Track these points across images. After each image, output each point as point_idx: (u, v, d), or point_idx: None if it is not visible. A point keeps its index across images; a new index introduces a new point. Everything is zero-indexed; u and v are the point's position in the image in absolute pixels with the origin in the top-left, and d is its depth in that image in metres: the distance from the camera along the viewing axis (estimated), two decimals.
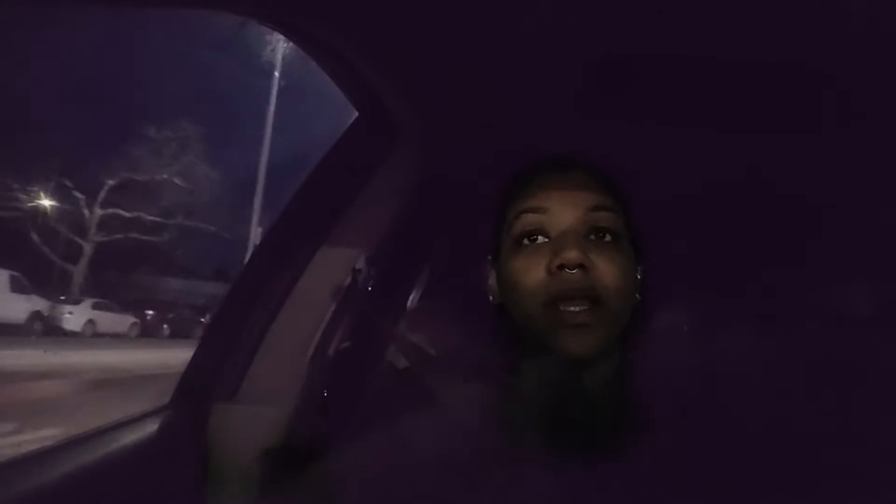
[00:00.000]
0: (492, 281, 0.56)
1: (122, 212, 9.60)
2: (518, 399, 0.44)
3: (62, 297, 8.90)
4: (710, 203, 0.91)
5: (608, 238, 0.49)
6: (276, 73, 10.06)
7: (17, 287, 8.22)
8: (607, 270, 0.48)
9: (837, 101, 0.65)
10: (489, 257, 0.57)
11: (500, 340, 0.56)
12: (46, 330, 8.35)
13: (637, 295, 0.53)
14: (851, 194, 0.86)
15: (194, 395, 0.79)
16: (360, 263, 0.86)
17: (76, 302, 9.04)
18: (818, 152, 0.77)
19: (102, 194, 9.50)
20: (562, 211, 0.50)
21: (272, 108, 10.14)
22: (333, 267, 0.85)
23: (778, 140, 0.75)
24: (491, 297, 0.56)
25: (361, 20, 0.59)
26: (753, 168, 0.82)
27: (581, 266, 0.47)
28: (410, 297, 1.19)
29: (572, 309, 0.46)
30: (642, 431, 0.43)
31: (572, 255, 0.46)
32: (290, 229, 0.85)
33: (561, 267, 0.47)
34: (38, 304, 8.59)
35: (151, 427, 0.72)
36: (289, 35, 0.63)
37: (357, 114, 0.83)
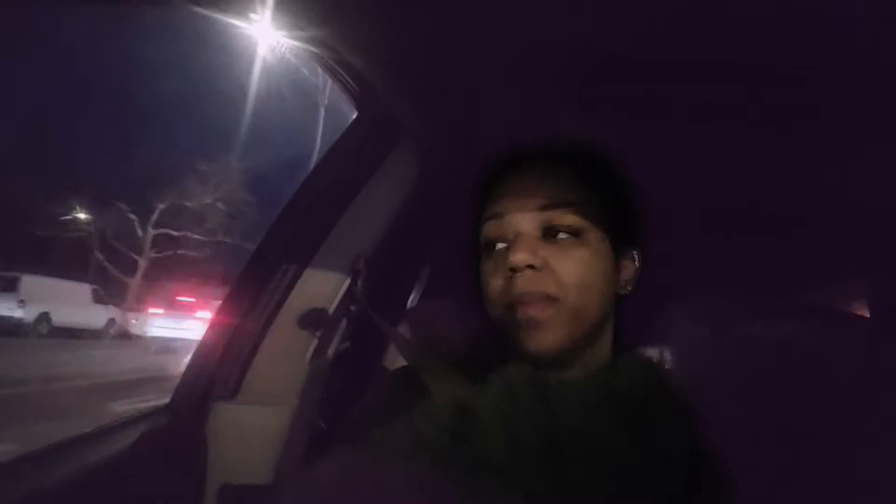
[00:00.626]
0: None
1: (171, 231, 11.55)
2: (490, 407, 0.43)
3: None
4: (709, 203, 0.91)
5: (567, 235, 0.49)
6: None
7: (97, 298, 9.88)
8: (564, 269, 0.48)
9: (839, 102, 0.65)
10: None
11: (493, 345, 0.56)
12: (119, 334, 9.91)
13: (627, 287, 0.53)
14: (852, 194, 0.86)
15: (194, 395, 0.79)
16: (360, 263, 0.85)
17: (139, 310, 10.44)
18: (820, 152, 0.77)
19: (155, 216, 11.45)
20: (515, 214, 0.51)
21: (319, 138, 10.70)
22: (333, 267, 0.85)
23: (778, 139, 0.75)
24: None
25: (361, 20, 0.59)
26: (753, 167, 0.82)
27: (531, 267, 0.48)
28: (410, 297, 1.19)
29: (527, 305, 0.47)
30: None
31: (517, 257, 0.47)
32: (291, 229, 0.85)
33: (513, 270, 0.48)
34: (112, 312, 10.12)
35: (151, 427, 0.72)
36: (288, 35, 0.63)
37: (357, 114, 0.83)
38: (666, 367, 0.46)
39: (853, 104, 0.64)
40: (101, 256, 10.70)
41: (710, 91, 0.65)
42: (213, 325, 0.83)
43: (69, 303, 8.74)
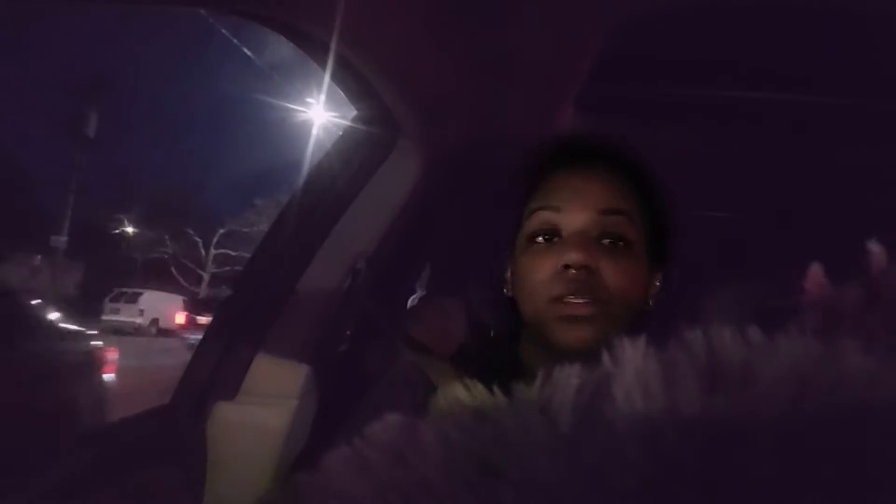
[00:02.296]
0: (508, 273, 0.56)
1: (229, 251, 14.70)
2: (432, 427, 0.42)
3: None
4: (709, 204, 0.91)
5: (620, 244, 0.50)
6: None
7: (186, 307, 12.46)
8: (613, 275, 0.48)
9: (840, 102, 0.65)
10: (508, 250, 0.57)
11: (504, 333, 0.55)
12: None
13: (650, 301, 0.53)
14: (853, 193, 0.86)
15: (194, 394, 0.79)
16: (360, 263, 0.85)
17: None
18: (824, 151, 0.77)
19: (216, 239, 14.68)
20: (574, 211, 0.50)
21: None
22: (333, 267, 0.85)
23: (780, 138, 0.75)
24: (505, 290, 0.57)
25: (361, 20, 0.59)
26: (753, 166, 0.82)
27: (586, 268, 0.47)
28: (410, 297, 1.19)
29: (574, 301, 0.48)
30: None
31: (577, 256, 0.47)
32: (291, 229, 0.85)
33: (566, 267, 0.48)
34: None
35: (151, 427, 0.72)
36: (289, 35, 0.63)
37: (357, 114, 0.83)
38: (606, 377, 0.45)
39: (854, 104, 0.64)
40: (175, 271, 13.98)
41: (708, 91, 0.65)
42: (214, 326, 0.83)
43: (169, 311, 11.99)
